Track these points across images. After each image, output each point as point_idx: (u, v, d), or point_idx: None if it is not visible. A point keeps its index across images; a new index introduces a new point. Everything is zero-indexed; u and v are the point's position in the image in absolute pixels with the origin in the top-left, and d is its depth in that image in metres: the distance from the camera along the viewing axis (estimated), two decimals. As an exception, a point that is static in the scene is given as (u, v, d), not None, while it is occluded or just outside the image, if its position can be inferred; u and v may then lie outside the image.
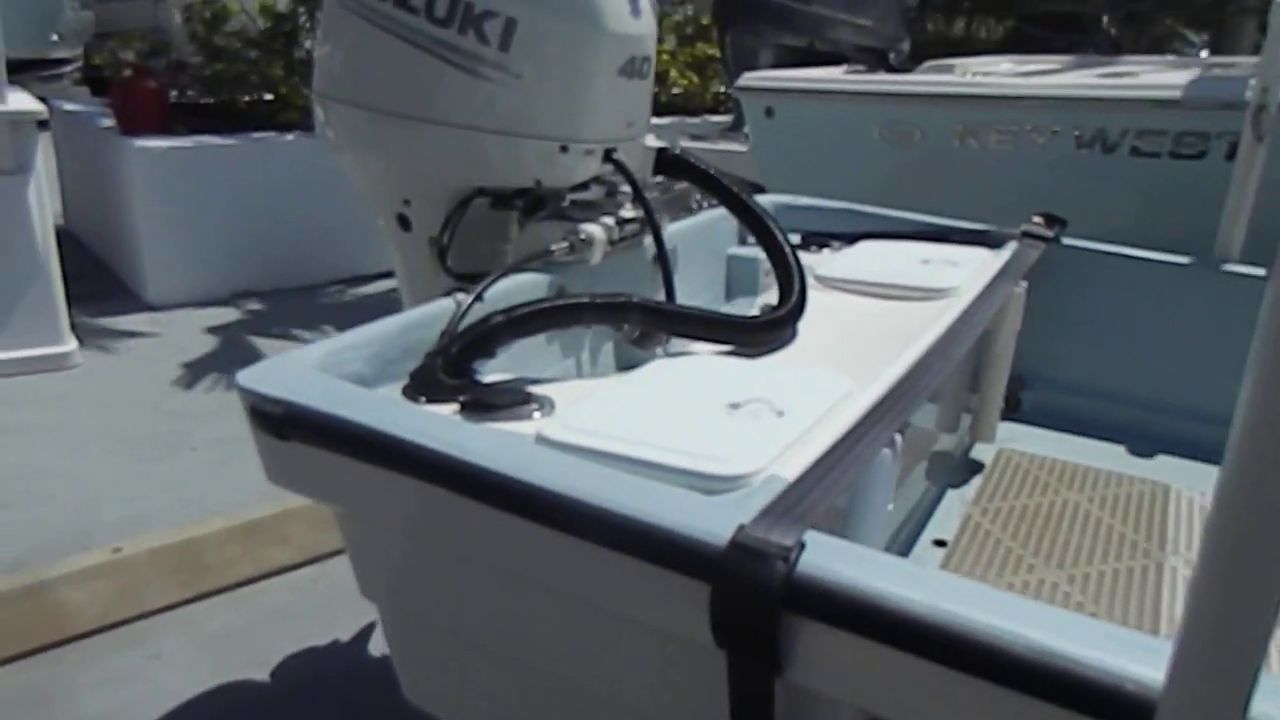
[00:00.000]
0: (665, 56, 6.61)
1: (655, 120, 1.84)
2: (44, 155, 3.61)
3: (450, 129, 1.64)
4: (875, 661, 0.83)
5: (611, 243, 1.71)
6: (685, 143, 5.06)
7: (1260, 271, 2.10)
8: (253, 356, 3.81)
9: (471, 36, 1.59)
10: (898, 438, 1.22)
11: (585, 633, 1.09)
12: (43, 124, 3.58)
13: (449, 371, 1.32)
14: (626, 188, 1.78)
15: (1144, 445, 2.19)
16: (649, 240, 1.79)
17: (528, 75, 1.61)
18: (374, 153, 1.76)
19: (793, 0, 4.50)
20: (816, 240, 2.25)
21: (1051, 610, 0.82)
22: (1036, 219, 2.23)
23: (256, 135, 4.75)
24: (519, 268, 1.60)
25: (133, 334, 4.06)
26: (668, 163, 1.89)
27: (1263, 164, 2.22)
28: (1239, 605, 0.58)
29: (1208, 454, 2.10)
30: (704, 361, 1.47)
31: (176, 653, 2.22)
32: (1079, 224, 2.29)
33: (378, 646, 2.22)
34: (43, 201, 3.54)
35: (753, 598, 0.85)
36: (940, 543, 1.81)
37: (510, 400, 1.29)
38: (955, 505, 1.95)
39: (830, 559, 0.85)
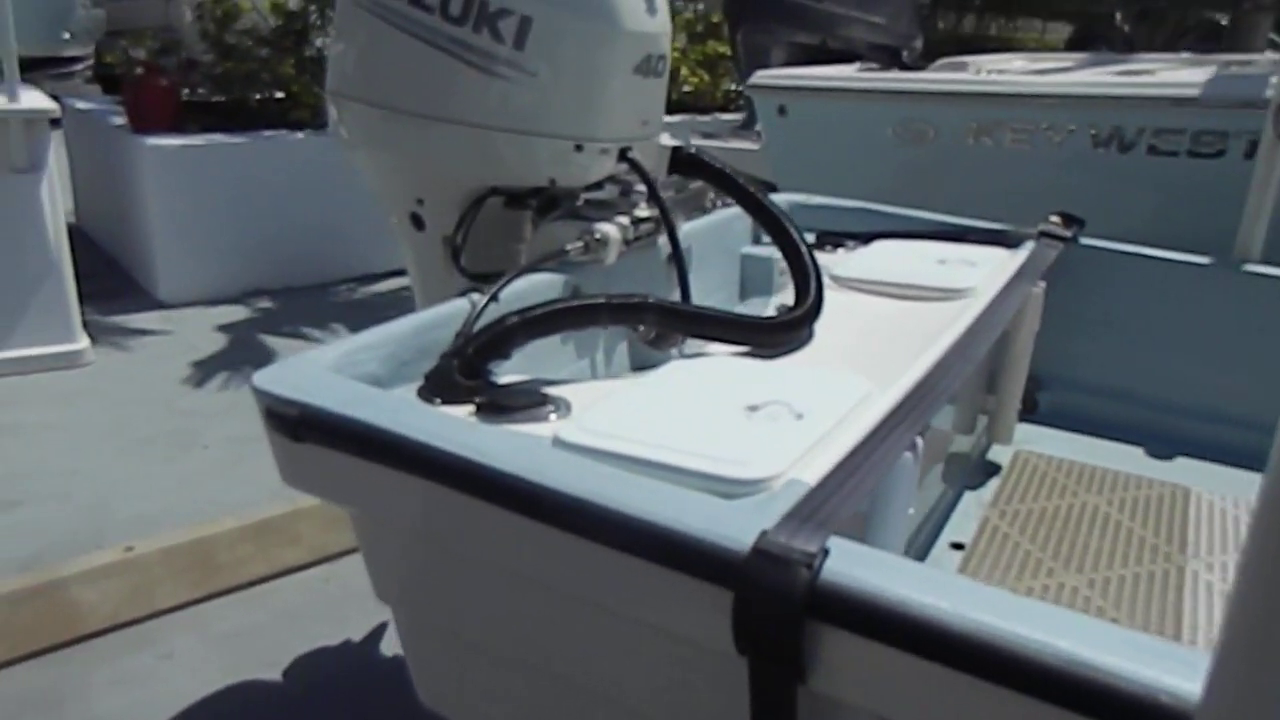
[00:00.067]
0: (676, 54, 6.59)
1: (666, 118, 1.83)
2: (56, 153, 3.62)
3: (464, 127, 1.63)
4: (901, 670, 0.81)
5: (626, 242, 1.70)
6: (697, 141, 5.04)
7: None
8: (264, 355, 3.86)
9: (486, 34, 1.57)
10: (919, 441, 1.21)
11: (601, 637, 1.08)
12: (55, 122, 3.58)
13: (464, 372, 1.31)
14: (641, 187, 1.77)
15: (1163, 447, 2.17)
16: (663, 240, 1.78)
17: (543, 73, 1.59)
18: (388, 151, 1.75)
19: None
20: (831, 240, 2.24)
21: (1081, 618, 0.80)
22: (1054, 218, 2.21)
23: (267, 133, 4.76)
24: (534, 268, 1.59)
25: (144, 332, 4.07)
26: (683, 161, 1.88)
27: (1284, 163, 2.19)
28: None
29: (1227, 456, 2.08)
30: (721, 362, 1.46)
31: (188, 652, 2.22)
32: (1095, 223, 2.27)
33: (389, 647, 2.21)
34: (55, 199, 3.54)
35: (776, 605, 0.84)
36: (958, 545, 1.79)
37: (526, 402, 1.28)
38: (972, 507, 1.93)
39: (854, 566, 0.84)
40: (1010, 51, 5.46)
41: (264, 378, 1.16)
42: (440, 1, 1.57)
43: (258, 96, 4.98)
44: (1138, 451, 2.17)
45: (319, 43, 4.99)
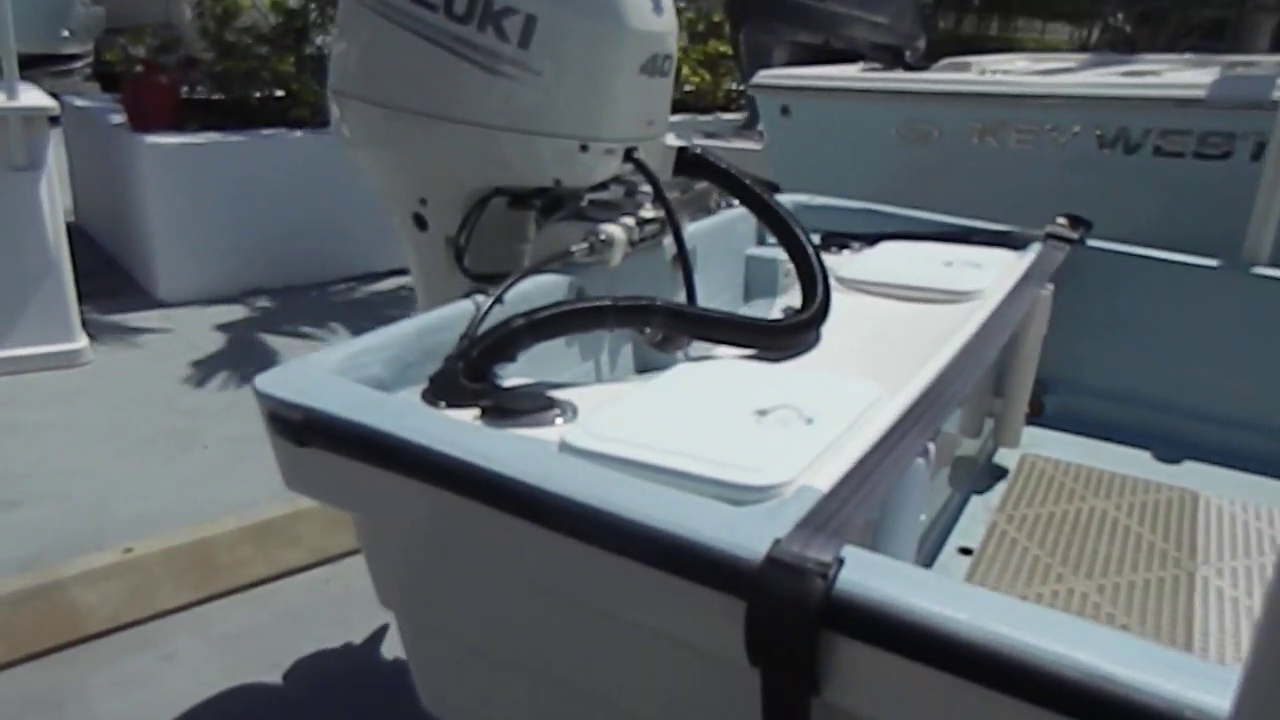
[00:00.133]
0: (677, 53, 6.57)
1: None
2: (55, 151, 3.60)
3: (468, 127, 1.61)
4: (917, 682, 0.80)
5: (631, 243, 1.68)
6: (699, 141, 5.03)
7: None
8: (264, 354, 3.84)
9: (491, 33, 1.56)
10: (930, 446, 1.19)
11: (608, 645, 1.06)
12: (54, 120, 3.56)
13: (469, 375, 1.29)
14: (646, 187, 1.75)
15: (1170, 451, 2.15)
16: (668, 241, 1.77)
17: (548, 73, 1.58)
18: (390, 151, 1.73)
19: None
20: (836, 241, 2.22)
21: (1103, 631, 0.79)
22: (1061, 220, 2.20)
23: (267, 132, 4.74)
24: (538, 269, 1.58)
25: (144, 331, 4.05)
26: (689, 162, 1.86)
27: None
28: None
29: (1236, 460, 2.07)
30: (728, 366, 1.45)
31: (189, 654, 2.21)
32: (1101, 225, 2.26)
33: (390, 649, 2.20)
34: (54, 197, 3.52)
35: (791, 615, 0.82)
36: (966, 550, 1.78)
37: (532, 406, 1.26)
38: (980, 512, 1.91)
39: (870, 575, 0.83)
40: (1011, 52, 5.45)
41: (267, 381, 1.15)
42: (444, 0, 1.56)
43: (258, 95, 4.96)
44: (1145, 455, 2.16)
45: (319, 40, 4.98)
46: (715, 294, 1.97)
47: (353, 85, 1.71)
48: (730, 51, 6.28)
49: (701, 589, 0.88)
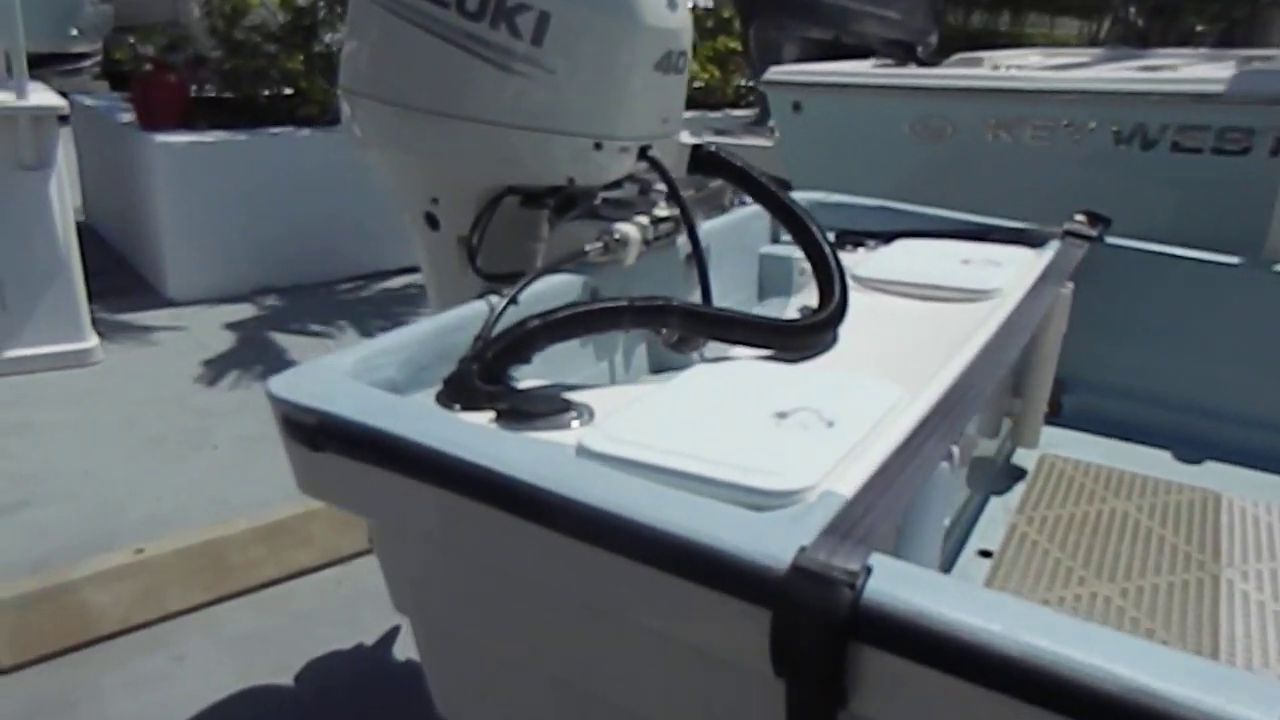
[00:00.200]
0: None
1: (677, 115, 1.80)
2: (64, 150, 3.59)
3: (480, 125, 1.59)
4: (948, 694, 0.78)
5: (646, 242, 1.66)
6: (709, 138, 5.01)
7: None
8: (275, 353, 3.84)
9: (503, 30, 1.54)
10: (954, 449, 1.17)
11: (628, 654, 1.04)
12: (63, 119, 3.56)
13: (484, 377, 1.28)
14: (660, 186, 1.73)
15: (1191, 451, 2.12)
16: (682, 239, 1.74)
17: (561, 70, 1.56)
18: (402, 150, 1.71)
19: None
20: (851, 239, 2.20)
21: (1140, 643, 0.76)
22: (1079, 217, 2.16)
23: (276, 130, 4.73)
24: (552, 269, 1.56)
25: (154, 330, 4.05)
26: (703, 160, 1.84)
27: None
28: None
29: (1258, 460, 2.04)
30: (746, 367, 1.42)
31: (200, 655, 2.20)
32: (1118, 222, 2.22)
33: (403, 651, 2.19)
34: (63, 197, 3.52)
35: (818, 626, 0.80)
36: (985, 553, 1.75)
37: (548, 408, 1.24)
38: (999, 514, 1.89)
39: (898, 585, 0.80)
40: (1022, 47, 5.41)
41: (281, 384, 1.13)
42: (456, -3, 1.54)
43: (266, 93, 4.96)
44: (1166, 455, 2.13)
45: (328, 38, 4.97)
46: (729, 293, 1.95)
47: (364, 83, 1.70)
48: (740, 47, 6.24)
49: (725, 598, 0.86)
